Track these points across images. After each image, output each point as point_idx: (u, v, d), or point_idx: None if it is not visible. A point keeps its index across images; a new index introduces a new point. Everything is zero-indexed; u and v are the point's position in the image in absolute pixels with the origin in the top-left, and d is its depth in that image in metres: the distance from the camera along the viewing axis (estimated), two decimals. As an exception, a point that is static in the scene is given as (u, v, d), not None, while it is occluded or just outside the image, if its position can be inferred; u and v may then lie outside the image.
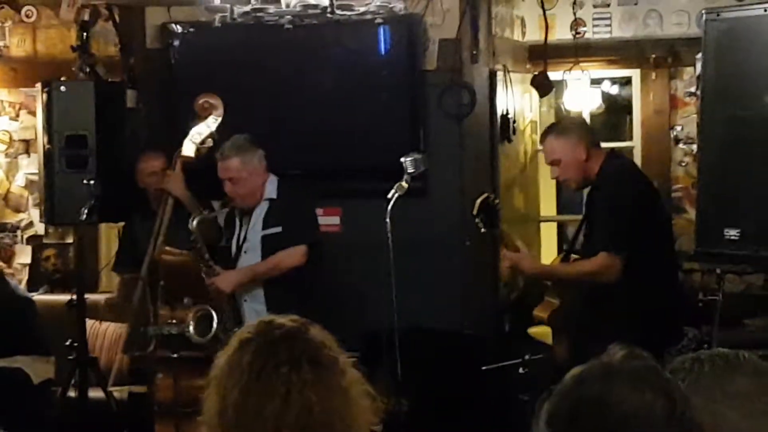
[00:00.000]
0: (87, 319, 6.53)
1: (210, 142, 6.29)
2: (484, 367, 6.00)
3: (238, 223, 6.13)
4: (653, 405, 1.82)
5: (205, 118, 6.28)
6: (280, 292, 5.88)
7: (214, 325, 5.79)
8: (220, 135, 6.24)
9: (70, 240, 8.07)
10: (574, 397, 1.86)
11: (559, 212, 8.66)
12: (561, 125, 5.63)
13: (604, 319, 5.20)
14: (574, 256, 5.63)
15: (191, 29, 7.06)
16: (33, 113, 7.85)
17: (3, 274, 7.33)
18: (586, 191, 5.79)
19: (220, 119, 6.26)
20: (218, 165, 5.98)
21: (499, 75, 7.29)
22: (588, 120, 8.18)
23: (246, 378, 2.29)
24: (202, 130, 6.28)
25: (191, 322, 5.82)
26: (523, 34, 7.96)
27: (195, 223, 5.89)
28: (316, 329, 2.38)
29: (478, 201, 5.41)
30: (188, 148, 6.28)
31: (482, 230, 5.47)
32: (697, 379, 2.08)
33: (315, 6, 5.44)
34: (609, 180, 5.40)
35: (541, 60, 7.65)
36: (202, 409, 2.33)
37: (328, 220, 6.82)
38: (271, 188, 6.05)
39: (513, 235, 5.57)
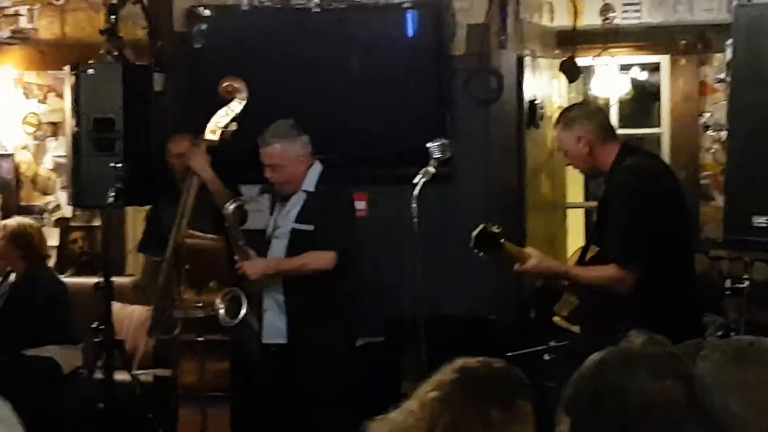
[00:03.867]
0: (113, 302, 6.54)
1: (234, 126, 6.23)
2: (509, 354, 5.97)
3: (275, 208, 6.07)
4: (674, 392, 1.81)
5: (229, 101, 6.24)
6: (300, 284, 5.85)
7: (244, 308, 5.75)
8: (244, 119, 6.21)
9: (97, 223, 8.09)
10: (596, 385, 1.85)
11: (586, 198, 8.62)
12: (568, 116, 5.24)
13: (622, 316, 5.02)
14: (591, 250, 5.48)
15: (219, 12, 7.06)
16: (61, 96, 7.85)
17: (46, 261, 7.34)
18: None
19: (244, 102, 6.20)
20: (260, 150, 5.88)
21: (527, 60, 7.26)
22: (616, 106, 8.16)
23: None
24: (226, 114, 6.23)
25: (222, 305, 5.78)
26: (552, 19, 7.92)
27: (231, 208, 5.86)
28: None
29: (474, 234, 5.06)
30: (211, 132, 6.25)
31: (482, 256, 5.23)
32: (717, 364, 2.07)
33: (342, -10, 5.43)
34: (621, 183, 5.05)
35: (570, 45, 7.62)
36: None
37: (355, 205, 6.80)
38: (311, 179, 5.91)
39: (514, 248, 5.28)
